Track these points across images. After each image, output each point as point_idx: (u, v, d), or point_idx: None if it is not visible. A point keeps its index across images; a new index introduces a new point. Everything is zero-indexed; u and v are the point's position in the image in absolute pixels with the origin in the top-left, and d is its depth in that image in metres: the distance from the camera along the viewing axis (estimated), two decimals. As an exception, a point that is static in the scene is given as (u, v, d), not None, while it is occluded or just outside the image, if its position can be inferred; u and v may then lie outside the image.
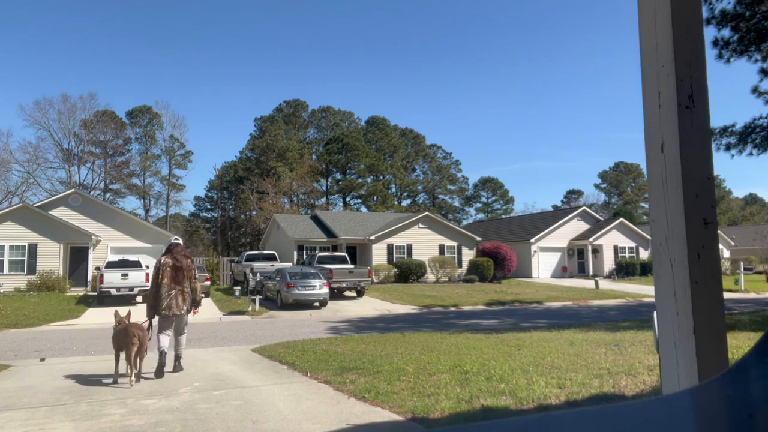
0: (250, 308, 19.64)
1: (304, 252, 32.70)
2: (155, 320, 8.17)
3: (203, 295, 22.10)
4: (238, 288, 22.80)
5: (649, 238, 6.48)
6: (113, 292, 21.36)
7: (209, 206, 68.31)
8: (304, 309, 20.00)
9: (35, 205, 28.74)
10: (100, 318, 18.38)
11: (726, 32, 14.86)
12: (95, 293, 23.82)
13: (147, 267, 23.31)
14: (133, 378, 7.13)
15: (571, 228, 38.73)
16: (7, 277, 26.07)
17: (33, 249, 26.92)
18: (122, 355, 7.38)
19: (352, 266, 25.96)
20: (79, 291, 26.48)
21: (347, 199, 66.56)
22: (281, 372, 8.16)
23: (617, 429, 0.83)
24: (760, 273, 37.91)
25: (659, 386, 5.01)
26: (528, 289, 28.22)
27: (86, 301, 22.41)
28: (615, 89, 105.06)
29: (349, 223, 35.48)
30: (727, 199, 78.71)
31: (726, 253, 46.21)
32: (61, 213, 28.83)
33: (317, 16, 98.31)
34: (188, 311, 8.39)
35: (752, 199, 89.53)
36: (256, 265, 25.86)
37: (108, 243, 29.44)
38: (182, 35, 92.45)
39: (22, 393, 7.00)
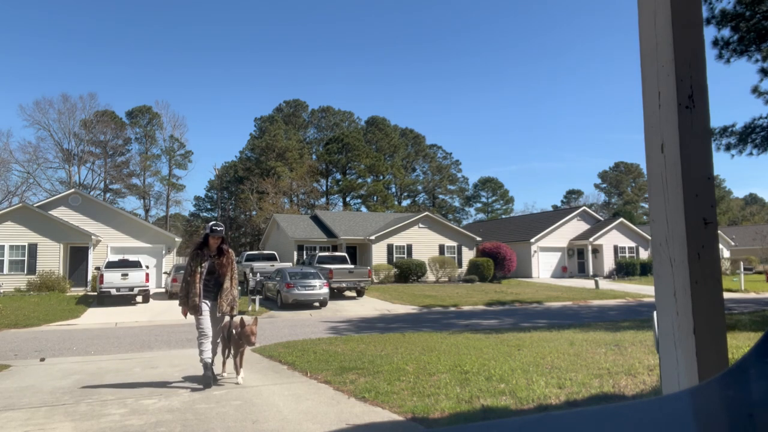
0: (250, 308, 19.63)
1: (304, 252, 32.70)
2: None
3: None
4: (238, 288, 22.78)
5: (649, 238, 6.48)
6: (113, 292, 21.36)
7: (209, 206, 68.37)
8: (304, 309, 20.00)
9: (35, 205, 28.74)
10: (100, 318, 18.39)
11: (726, 32, 14.87)
12: (95, 293, 23.81)
13: (147, 267, 23.31)
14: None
15: (571, 228, 38.71)
16: (7, 277, 26.07)
17: (33, 249, 26.93)
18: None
19: (352, 266, 25.95)
20: (79, 291, 26.47)
21: (347, 199, 66.56)
22: (281, 372, 8.16)
23: (617, 429, 0.83)
24: (760, 273, 37.92)
25: (659, 386, 5.01)
26: (528, 289, 28.21)
27: (86, 301, 22.41)
28: (615, 89, 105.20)
29: (349, 223, 35.47)
30: (727, 199, 78.69)
31: (726, 253, 46.21)
32: (61, 213, 28.83)
33: (318, 16, 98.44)
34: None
35: (752, 199, 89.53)
36: (256, 265, 25.87)
37: (108, 243, 29.44)
38: (182, 35, 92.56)
39: (22, 393, 6.99)
